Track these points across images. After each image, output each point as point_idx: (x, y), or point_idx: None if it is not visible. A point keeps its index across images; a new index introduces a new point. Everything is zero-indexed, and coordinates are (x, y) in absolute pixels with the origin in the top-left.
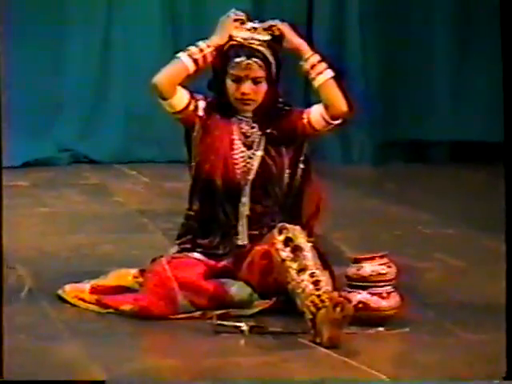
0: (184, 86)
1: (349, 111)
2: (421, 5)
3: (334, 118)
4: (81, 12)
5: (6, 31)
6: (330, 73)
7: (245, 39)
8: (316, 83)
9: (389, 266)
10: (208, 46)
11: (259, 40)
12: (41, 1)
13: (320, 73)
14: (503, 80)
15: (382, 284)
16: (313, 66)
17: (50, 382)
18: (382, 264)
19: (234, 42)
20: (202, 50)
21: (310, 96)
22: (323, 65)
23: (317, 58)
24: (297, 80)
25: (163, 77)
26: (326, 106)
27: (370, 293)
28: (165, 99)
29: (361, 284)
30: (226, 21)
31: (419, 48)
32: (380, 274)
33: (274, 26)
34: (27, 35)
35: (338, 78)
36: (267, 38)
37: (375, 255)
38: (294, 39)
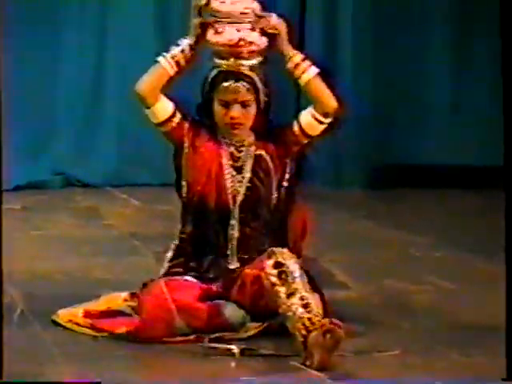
0: (172, 99)
1: (338, 106)
2: (416, 25)
3: (325, 115)
4: (74, 35)
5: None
6: (314, 70)
7: (232, 65)
8: (302, 82)
9: None
10: (189, 45)
11: (246, 65)
12: (35, 22)
13: (304, 71)
14: (503, 103)
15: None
16: (297, 65)
17: (49, 382)
18: None
19: (222, 68)
20: (183, 51)
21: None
22: (307, 62)
23: (300, 56)
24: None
25: (144, 82)
26: (315, 103)
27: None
28: (148, 107)
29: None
30: (196, 21)
31: (415, 70)
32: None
33: (270, 23)
34: (20, 59)
35: (324, 75)
36: (254, 62)
37: None
38: (283, 42)
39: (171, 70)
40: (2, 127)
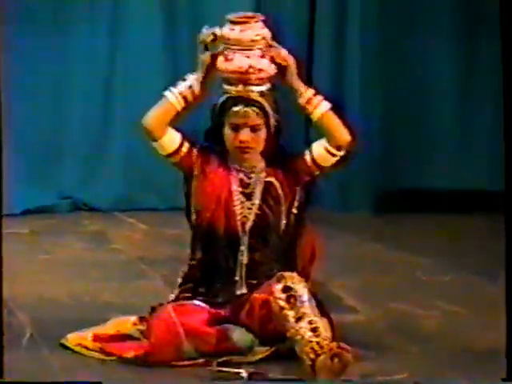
0: (178, 129)
1: (352, 139)
2: (423, 55)
3: (338, 148)
4: (83, 62)
5: (6, 81)
6: (326, 104)
7: (241, 92)
8: (314, 117)
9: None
10: (197, 81)
11: (255, 91)
12: (44, 49)
13: (317, 106)
14: (504, 128)
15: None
16: (309, 101)
17: (49, 382)
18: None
19: (232, 95)
20: (190, 86)
21: (311, 138)
22: (319, 97)
23: (311, 91)
24: (298, 123)
25: (151, 117)
26: (329, 137)
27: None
28: (155, 140)
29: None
30: (203, 57)
31: (420, 96)
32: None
33: (279, 55)
34: (28, 84)
35: (336, 109)
36: (263, 88)
37: (250, 18)
38: (293, 77)
39: (178, 106)
40: (2, 141)
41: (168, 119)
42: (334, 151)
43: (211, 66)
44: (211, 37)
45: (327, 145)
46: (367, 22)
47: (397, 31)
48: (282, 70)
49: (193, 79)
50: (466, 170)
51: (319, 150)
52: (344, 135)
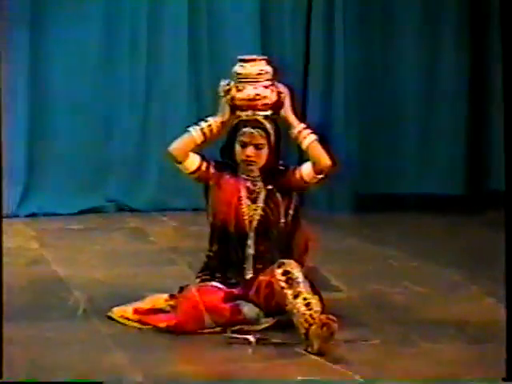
0: (198, 152)
1: (332, 165)
2: (393, 85)
3: (320, 172)
4: (124, 95)
5: (54, 104)
6: (313, 136)
7: (249, 116)
8: (303, 146)
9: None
10: (215, 122)
11: (261, 115)
12: (95, 75)
13: (305, 137)
14: (504, 129)
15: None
16: (299, 132)
17: (50, 382)
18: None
19: (242, 118)
20: (210, 125)
21: (303, 155)
22: (307, 130)
23: (302, 125)
24: (293, 144)
25: (176, 146)
26: (314, 162)
27: (255, 87)
28: (179, 163)
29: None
30: (224, 103)
31: (392, 123)
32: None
33: (282, 93)
34: (79, 110)
35: (322, 140)
36: (267, 113)
37: (256, 57)
38: (288, 111)
39: (198, 140)
40: (1, 148)
41: (189, 149)
42: (315, 175)
43: (228, 114)
44: (227, 87)
45: (312, 168)
46: (351, 60)
47: (377, 69)
48: (280, 103)
49: (212, 120)
50: (431, 178)
51: (306, 171)
52: (326, 161)
